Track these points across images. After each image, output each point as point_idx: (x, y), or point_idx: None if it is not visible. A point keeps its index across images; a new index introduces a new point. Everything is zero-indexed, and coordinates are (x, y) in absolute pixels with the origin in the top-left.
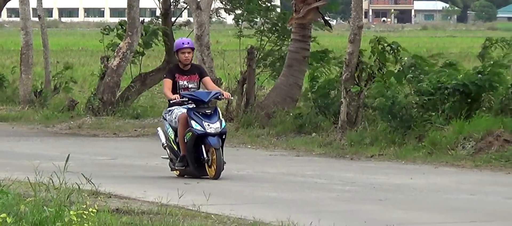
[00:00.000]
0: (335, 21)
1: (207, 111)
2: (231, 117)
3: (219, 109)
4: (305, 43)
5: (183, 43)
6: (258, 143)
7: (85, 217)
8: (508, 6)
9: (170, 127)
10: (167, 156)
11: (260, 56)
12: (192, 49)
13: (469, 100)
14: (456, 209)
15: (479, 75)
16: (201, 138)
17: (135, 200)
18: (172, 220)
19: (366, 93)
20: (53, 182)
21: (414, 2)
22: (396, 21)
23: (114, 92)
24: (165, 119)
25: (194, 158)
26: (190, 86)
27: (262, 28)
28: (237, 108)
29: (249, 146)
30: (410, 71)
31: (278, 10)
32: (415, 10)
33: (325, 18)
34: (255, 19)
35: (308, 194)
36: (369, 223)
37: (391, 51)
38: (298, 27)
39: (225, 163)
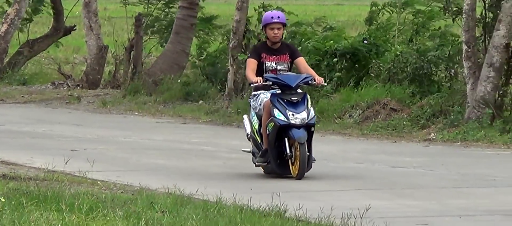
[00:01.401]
0: None
1: (293, 99)
2: (118, 84)
3: (309, 96)
4: (192, 11)
5: (272, 18)
6: (145, 110)
7: None
8: None
9: (255, 115)
10: (250, 150)
11: (147, 23)
12: (284, 24)
13: (357, 66)
14: (343, 178)
15: (365, 41)
16: (285, 130)
17: (22, 166)
18: (58, 186)
19: None
20: None
21: None
22: None
23: (2, 59)
24: (251, 106)
25: (276, 153)
26: (279, 68)
27: None
28: (124, 75)
29: (136, 113)
30: (291, 39)
31: None
32: None
33: None
34: None
35: (194, 162)
36: (255, 191)
37: None
38: None
39: (314, 160)
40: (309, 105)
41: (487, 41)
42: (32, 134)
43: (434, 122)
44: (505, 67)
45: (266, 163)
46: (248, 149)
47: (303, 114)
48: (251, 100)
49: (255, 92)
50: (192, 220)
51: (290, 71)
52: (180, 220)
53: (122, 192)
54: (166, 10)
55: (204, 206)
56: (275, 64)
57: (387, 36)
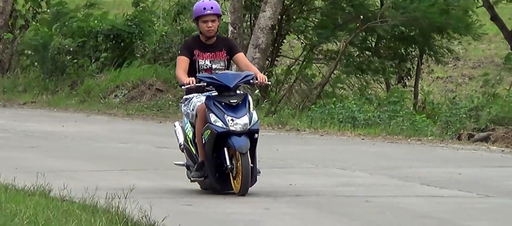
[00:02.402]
0: None
1: (232, 101)
2: None
3: (250, 98)
4: None
5: (204, 9)
6: None
7: None
8: None
9: (188, 122)
10: (183, 163)
11: None
12: (218, 15)
13: (122, 46)
14: (108, 157)
15: (129, 23)
16: (223, 138)
17: None
18: None
19: (19, 41)
20: None
21: None
22: None
23: None
24: (182, 112)
25: (215, 166)
26: (214, 66)
27: None
28: None
29: None
30: (58, 19)
31: None
32: None
33: None
34: None
35: None
36: (20, 170)
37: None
38: None
39: (259, 173)
40: (251, 108)
41: (252, 23)
42: None
43: None
44: (271, 49)
45: (203, 178)
46: (181, 162)
47: (245, 119)
48: (183, 105)
49: (187, 96)
50: None
51: (227, 69)
52: None
53: None
54: None
55: None
56: (210, 62)
57: (153, 17)
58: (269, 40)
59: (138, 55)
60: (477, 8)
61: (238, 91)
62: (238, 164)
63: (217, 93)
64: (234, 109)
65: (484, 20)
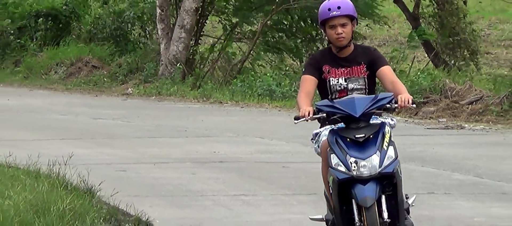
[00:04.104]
0: None
1: (357, 136)
2: None
3: (387, 129)
4: None
5: (328, 10)
6: None
7: None
8: None
9: None
10: (321, 216)
11: None
12: (351, 17)
13: (60, 26)
14: (49, 128)
15: (65, 6)
16: (349, 185)
17: None
18: None
19: None
20: None
21: None
22: None
23: None
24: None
25: (347, 221)
26: (351, 86)
27: None
28: None
29: None
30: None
31: None
32: None
33: None
34: None
35: None
36: None
37: None
38: None
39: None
40: (385, 144)
41: (178, 5)
42: None
43: (131, 78)
44: (195, 29)
45: None
46: (319, 216)
47: (373, 160)
48: (313, 142)
49: (317, 130)
50: None
51: (368, 89)
52: None
53: None
54: None
55: None
56: (345, 80)
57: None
58: (194, 21)
59: (74, 36)
60: None
61: (372, 121)
62: (364, 220)
63: (345, 125)
64: (360, 146)
65: (387, 2)
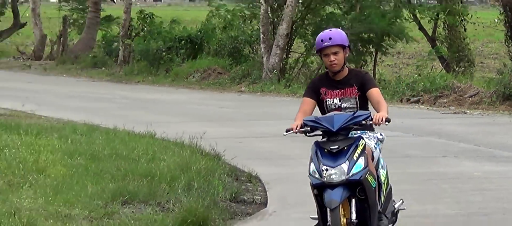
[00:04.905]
0: (115, 0)
1: (332, 147)
2: (53, 57)
3: (363, 142)
4: (97, 13)
5: (321, 41)
6: (70, 73)
7: None
8: None
9: None
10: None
11: (70, 21)
12: (342, 46)
13: (195, 46)
14: (189, 114)
15: (199, 32)
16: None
17: None
18: (18, 119)
19: (133, 44)
20: None
21: None
22: (152, 0)
23: None
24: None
25: (326, 222)
26: (344, 105)
27: (72, 5)
28: (57, 52)
29: (64, 75)
30: (156, 29)
31: None
32: None
33: None
34: None
35: (99, 104)
36: (137, 123)
37: (148, 18)
38: (93, 2)
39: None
40: (356, 154)
41: (274, 31)
42: (1, 89)
43: (244, 81)
44: (286, 47)
45: None
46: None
47: (342, 167)
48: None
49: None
50: (99, 139)
51: (360, 107)
52: (91, 139)
53: (57, 123)
54: (81, 13)
55: (106, 132)
56: (339, 100)
57: (214, 28)
58: (285, 42)
59: (205, 52)
60: (410, 22)
61: (352, 134)
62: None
63: (327, 138)
64: (333, 156)
65: (414, 28)
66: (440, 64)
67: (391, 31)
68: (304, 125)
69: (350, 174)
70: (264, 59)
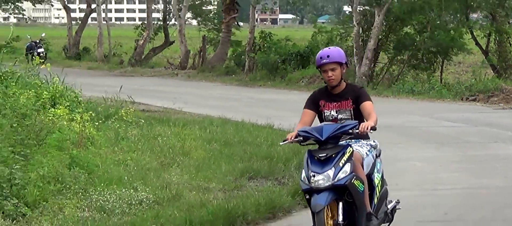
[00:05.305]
0: (242, 23)
1: (320, 155)
2: (195, 67)
3: (350, 150)
4: (229, 34)
5: (320, 58)
6: (208, 79)
7: (127, 113)
8: (324, 16)
9: None
10: None
11: (208, 39)
12: (339, 63)
13: (303, 58)
14: (298, 110)
15: (307, 48)
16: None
17: (151, 105)
18: (169, 115)
19: (256, 57)
20: (115, 98)
21: (279, 14)
22: (270, 23)
23: (140, 57)
24: None
25: None
26: (340, 116)
27: (209, 27)
28: (198, 63)
29: (203, 81)
30: (274, 45)
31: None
32: (279, 18)
33: (238, 22)
34: (207, 22)
35: (230, 103)
36: (259, 117)
37: (268, 36)
38: (226, 25)
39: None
40: (342, 161)
41: (364, 47)
42: (156, 91)
43: None
44: (373, 58)
45: None
46: None
47: (328, 173)
48: None
49: None
50: (230, 129)
51: (354, 118)
52: (224, 130)
53: (198, 117)
54: (216, 33)
55: (236, 124)
56: (336, 112)
57: (318, 44)
58: (372, 55)
59: (311, 63)
60: (468, 39)
61: (341, 142)
62: None
63: (318, 147)
64: (321, 163)
65: (472, 43)
66: (492, 71)
67: (454, 46)
68: (297, 135)
69: (336, 180)
70: (357, 68)
